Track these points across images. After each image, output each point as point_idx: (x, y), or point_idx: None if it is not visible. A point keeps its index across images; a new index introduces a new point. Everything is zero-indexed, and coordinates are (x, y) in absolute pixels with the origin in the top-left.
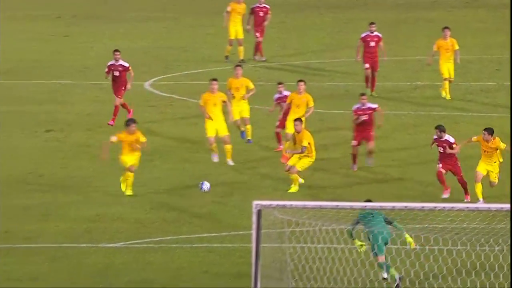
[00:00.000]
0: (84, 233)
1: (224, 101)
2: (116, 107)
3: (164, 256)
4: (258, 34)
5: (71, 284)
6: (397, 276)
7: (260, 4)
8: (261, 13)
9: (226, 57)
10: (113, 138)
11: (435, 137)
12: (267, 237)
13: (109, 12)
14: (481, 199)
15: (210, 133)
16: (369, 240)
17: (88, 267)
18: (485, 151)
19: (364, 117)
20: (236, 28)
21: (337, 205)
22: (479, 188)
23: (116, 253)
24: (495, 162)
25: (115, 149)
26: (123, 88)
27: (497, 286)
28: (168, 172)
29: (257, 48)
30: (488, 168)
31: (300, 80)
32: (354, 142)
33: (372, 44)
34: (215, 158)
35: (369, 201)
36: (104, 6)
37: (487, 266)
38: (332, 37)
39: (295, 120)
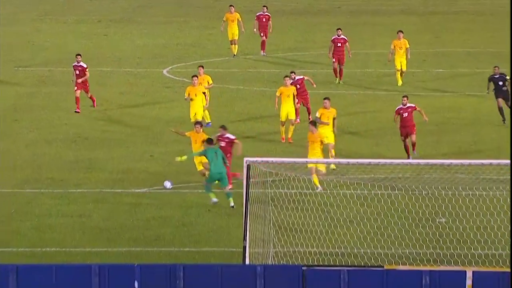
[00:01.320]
0: (118, 181)
1: (203, 92)
2: (77, 98)
3: (178, 198)
4: (262, 35)
5: (108, 219)
6: (214, 199)
7: (264, 12)
8: (264, 19)
9: (234, 55)
10: (187, 133)
11: (218, 134)
12: (254, 184)
13: (136, 17)
14: (319, 186)
15: (192, 117)
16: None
17: (121, 207)
18: (311, 142)
19: (405, 115)
20: (232, 31)
21: (306, 161)
22: (315, 179)
23: (142, 196)
24: (316, 152)
25: (142, 120)
26: (87, 83)
27: (492, 208)
28: (180, 137)
29: (262, 45)
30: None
31: (286, 76)
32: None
33: (339, 44)
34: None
35: (210, 139)
36: (132, 12)
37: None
38: (303, 36)
39: (325, 98)
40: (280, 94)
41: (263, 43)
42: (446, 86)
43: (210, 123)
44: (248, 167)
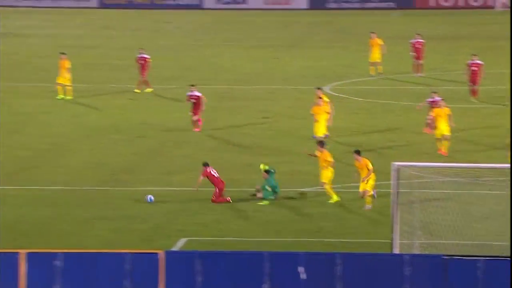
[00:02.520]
0: (286, 181)
1: (327, 112)
2: (194, 121)
3: (321, 197)
4: (417, 59)
5: (277, 213)
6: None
7: (417, 39)
8: (418, 46)
9: (372, 75)
10: (316, 153)
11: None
12: (402, 185)
13: (303, 43)
14: (369, 205)
15: (316, 133)
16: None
17: (288, 203)
18: (360, 169)
19: None
20: (374, 55)
21: (450, 165)
22: (368, 200)
23: (306, 195)
24: (366, 181)
25: (305, 130)
26: (199, 109)
27: None
28: (335, 143)
29: (418, 68)
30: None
31: (437, 99)
32: None
33: (474, 68)
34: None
35: (268, 170)
36: (299, 39)
37: None
38: (445, 58)
39: None
40: (435, 115)
41: (418, 66)
42: None
43: (327, 135)
44: (397, 170)
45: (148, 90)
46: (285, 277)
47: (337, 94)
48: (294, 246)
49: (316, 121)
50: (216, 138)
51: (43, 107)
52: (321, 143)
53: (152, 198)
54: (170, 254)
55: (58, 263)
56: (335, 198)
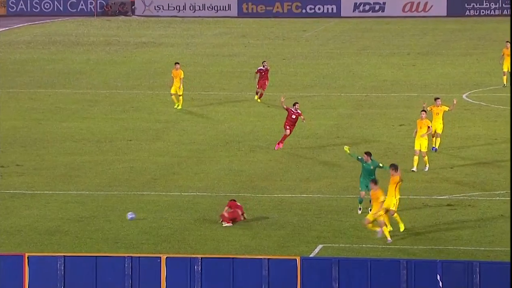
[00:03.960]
0: (423, 189)
1: (428, 126)
2: (285, 136)
3: (477, 205)
4: None
5: (414, 221)
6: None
7: None
8: None
9: (504, 85)
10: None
11: None
12: None
13: (440, 50)
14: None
15: (416, 147)
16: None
17: (425, 211)
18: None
19: None
20: (507, 64)
21: None
22: (386, 218)
23: (443, 203)
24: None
25: (442, 137)
26: (294, 125)
27: None
28: (473, 155)
29: None
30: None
31: None
32: None
33: None
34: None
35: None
36: (437, 46)
37: None
38: None
39: None
40: None
41: None
42: None
43: (435, 148)
44: None
45: (259, 100)
46: (422, 284)
47: (474, 102)
48: (431, 254)
49: (417, 136)
50: (352, 145)
51: (183, 114)
52: (394, 166)
53: (134, 216)
54: (306, 260)
55: (196, 267)
56: (402, 226)
